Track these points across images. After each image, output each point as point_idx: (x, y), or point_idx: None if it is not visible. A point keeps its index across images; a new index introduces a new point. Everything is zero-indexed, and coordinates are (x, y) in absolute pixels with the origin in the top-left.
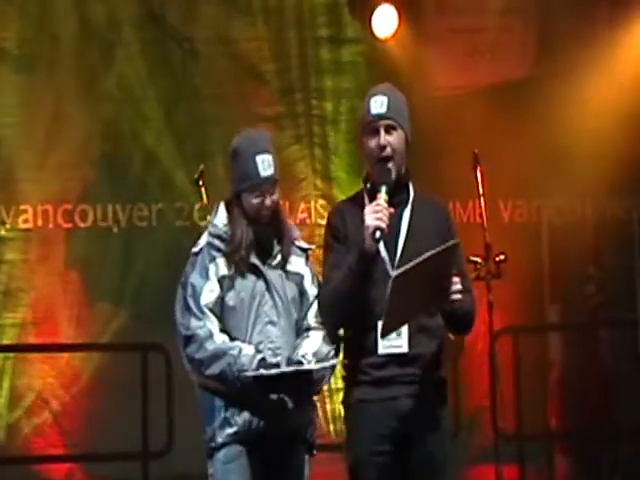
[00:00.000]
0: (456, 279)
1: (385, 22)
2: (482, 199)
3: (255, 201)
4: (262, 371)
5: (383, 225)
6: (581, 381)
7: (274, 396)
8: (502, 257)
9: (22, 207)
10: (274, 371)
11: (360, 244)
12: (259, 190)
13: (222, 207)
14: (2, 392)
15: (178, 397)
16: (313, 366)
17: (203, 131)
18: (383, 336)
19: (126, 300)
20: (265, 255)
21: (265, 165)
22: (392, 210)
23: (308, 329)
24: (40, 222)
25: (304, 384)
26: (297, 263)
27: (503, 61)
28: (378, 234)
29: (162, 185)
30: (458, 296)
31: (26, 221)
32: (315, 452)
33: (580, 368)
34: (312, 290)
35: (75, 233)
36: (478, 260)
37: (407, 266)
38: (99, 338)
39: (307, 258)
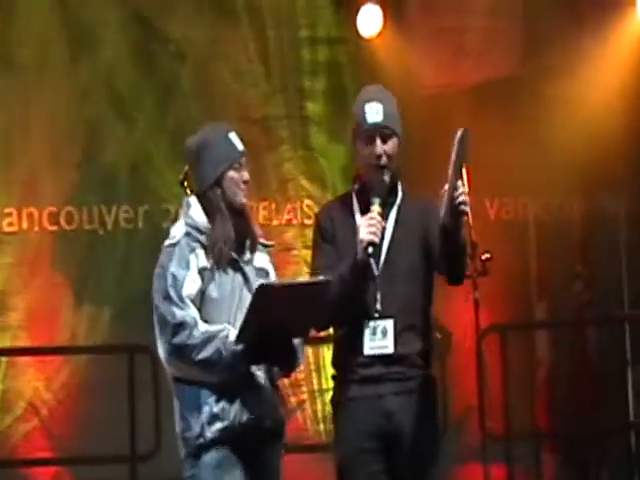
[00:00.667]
0: (459, 183)
1: (370, 21)
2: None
3: (237, 175)
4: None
5: (376, 239)
6: (569, 379)
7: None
8: (488, 255)
9: (7, 210)
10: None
11: (352, 253)
12: (239, 164)
13: (195, 200)
14: None
15: (165, 399)
16: (320, 278)
17: (189, 133)
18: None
19: (112, 302)
20: (240, 249)
21: (238, 140)
22: (384, 224)
23: None
24: (25, 225)
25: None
26: (262, 259)
27: (489, 59)
28: (371, 249)
29: (148, 187)
30: (463, 198)
31: (11, 224)
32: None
33: (567, 366)
34: None
35: (61, 236)
36: None
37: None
38: (85, 340)
39: (269, 254)
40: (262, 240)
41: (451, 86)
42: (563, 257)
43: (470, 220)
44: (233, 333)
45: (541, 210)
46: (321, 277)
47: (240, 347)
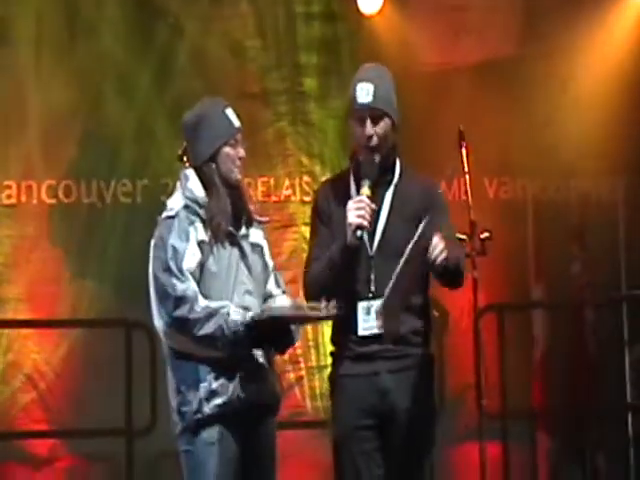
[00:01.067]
0: (435, 241)
1: None
2: (467, 176)
3: (232, 151)
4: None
5: (365, 223)
6: (565, 360)
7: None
8: (487, 234)
9: (6, 183)
10: (286, 310)
11: (343, 235)
12: (235, 140)
13: (193, 172)
14: None
15: (162, 374)
16: (331, 313)
17: (188, 107)
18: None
19: (110, 276)
20: (237, 225)
21: (235, 116)
22: (374, 206)
23: (271, 296)
24: (24, 198)
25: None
26: (257, 235)
27: (489, 39)
28: (359, 233)
29: (147, 161)
30: (443, 256)
31: (10, 197)
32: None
33: (564, 347)
34: (270, 262)
35: (59, 209)
36: (463, 237)
37: (392, 281)
38: (83, 314)
39: (264, 230)
40: (257, 216)
41: (451, 64)
42: (561, 238)
43: (470, 200)
44: (234, 310)
45: (539, 190)
46: (333, 311)
47: (242, 329)
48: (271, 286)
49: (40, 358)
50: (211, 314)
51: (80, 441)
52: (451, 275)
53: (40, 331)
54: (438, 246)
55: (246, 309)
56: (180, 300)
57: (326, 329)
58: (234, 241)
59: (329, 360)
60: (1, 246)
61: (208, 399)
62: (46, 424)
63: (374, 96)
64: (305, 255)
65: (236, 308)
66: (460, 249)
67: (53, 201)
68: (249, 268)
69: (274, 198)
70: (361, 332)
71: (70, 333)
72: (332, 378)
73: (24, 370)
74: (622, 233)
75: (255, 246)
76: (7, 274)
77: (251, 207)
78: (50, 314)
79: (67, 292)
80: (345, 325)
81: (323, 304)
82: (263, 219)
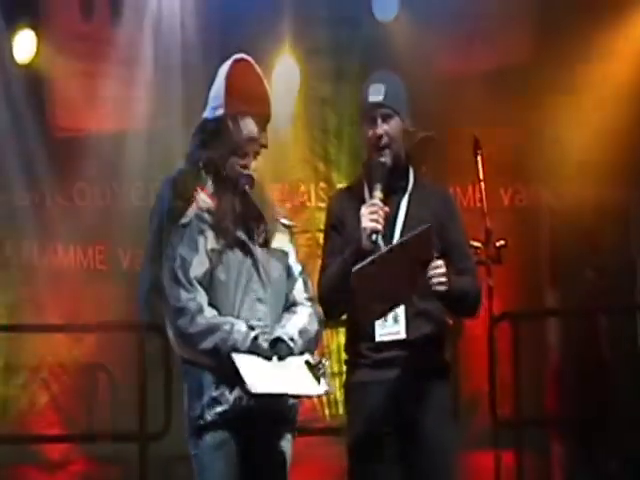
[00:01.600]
0: (438, 263)
1: (385, 4)
2: (482, 184)
3: (240, 161)
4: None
5: (379, 227)
6: (580, 367)
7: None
8: (502, 242)
9: (21, 185)
10: (276, 390)
11: (357, 239)
12: (244, 151)
13: (210, 180)
14: None
15: (176, 378)
16: (319, 390)
17: (202, 110)
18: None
19: (125, 280)
20: (251, 232)
21: (251, 126)
22: (387, 209)
23: (294, 304)
24: (38, 200)
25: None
26: (281, 240)
27: (503, 46)
28: (374, 237)
29: (161, 164)
30: (441, 279)
31: (24, 199)
32: (296, 434)
33: (579, 354)
34: (296, 266)
35: (73, 211)
36: (478, 245)
37: (366, 261)
38: (98, 317)
39: (291, 235)
40: (283, 220)
41: (465, 71)
42: (576, 245)
43: (485, 207)
44: (237, 329)
45: (554, 198)
46: (324, 388)
47: (234, 354)
48: (297, 292)
49: (54, 361)
50: (211, 329)
51: (94, 445)
52: (455, 303)
53: (56, 334)
54: (437, 268)
55: (251, 328)
56: (181, 311)
57: (342, 336)
58: (246, 249)
59: (343, 367)
60: (17, 249)
61: (210, 406)
62: (60, 428)
63: (385, 95)
64: (319, 261)
65: (240, 326)
66: (473, 280)
67: (68, 204)
68: (263, 276)
69: (288, 205)
70: (378, 338)
71: (85, 336)
72: (347, 385)
73: (39, 374)
74: (636, 239)
75: (277, 251)
76: (23, 277)
77: (278, 211)
78: (66, 317)
79: (83, 295)
80: (360, 333)
81: (324, 361)
82: (289, 223)
